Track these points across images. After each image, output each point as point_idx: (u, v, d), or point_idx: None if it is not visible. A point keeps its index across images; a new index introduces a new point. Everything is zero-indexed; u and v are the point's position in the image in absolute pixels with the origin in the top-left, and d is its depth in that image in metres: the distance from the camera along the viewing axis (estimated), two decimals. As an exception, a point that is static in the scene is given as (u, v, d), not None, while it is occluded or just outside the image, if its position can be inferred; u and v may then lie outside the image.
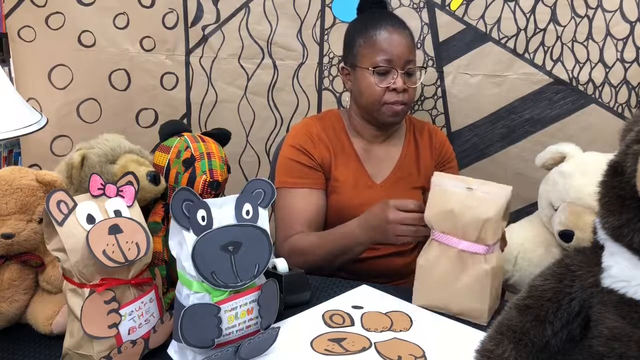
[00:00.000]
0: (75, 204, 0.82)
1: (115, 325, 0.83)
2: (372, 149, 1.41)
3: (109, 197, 0.86)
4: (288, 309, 1.04)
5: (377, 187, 1.39)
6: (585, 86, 1.61)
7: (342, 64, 1.41)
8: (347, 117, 1.43)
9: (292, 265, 1.27)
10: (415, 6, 1.62)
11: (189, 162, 1.03)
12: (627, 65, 1.59)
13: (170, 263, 1.01)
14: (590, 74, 1.60)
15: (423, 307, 1.07)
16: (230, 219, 0.85)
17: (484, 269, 1.01)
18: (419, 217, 1.08)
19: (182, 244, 0.83)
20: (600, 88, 1.61)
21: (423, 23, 1.63)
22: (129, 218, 0.85)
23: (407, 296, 1.11)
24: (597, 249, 0.74)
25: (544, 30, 1.59)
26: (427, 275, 1.06)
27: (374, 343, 0.94)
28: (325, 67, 1.70)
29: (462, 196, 1.02)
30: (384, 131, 1.41)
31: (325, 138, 1.38)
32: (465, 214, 1.01)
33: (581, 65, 1.60)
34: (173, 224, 0.82)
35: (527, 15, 1.58)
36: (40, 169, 1.13)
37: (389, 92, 1.30)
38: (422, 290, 1.07)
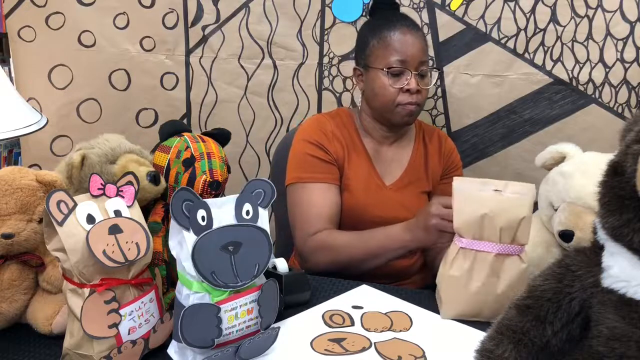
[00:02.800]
0: (75, 204, 0.82)
1: (115, 325, 0.83)
2: (382, 150, 1.42)
3: (109, 197, 0.86)
4: (288, 309, 1.04)
5: (387, 189, 1.39)
6: (585, 86, 1.61)
7: (354, 65, 1.41)
8: (357, 117, 1.43)
9: (316, 262, 1.27)
10: (415, 6, 1.62)
11: (189, 162, 1.03)
12: (627, 65, 1.59)
13: (170, 263, 1.01)
14: (590, 74, 1.60)
15: (452, 319, 1.03)
16: (230, 219, 0.85)
17: (522, 268, 1.01)
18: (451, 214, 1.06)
19: (182, 244, 0.83)
20: (600, 88, 1.61)
21: (423, 23, 1.63)
22: (129, 218, 0.85)
23: (407, 296, 1.12)
24: (597, 249, 0.74)
25: (544, 30, 1.59)
26: (462, 286, 1.02)
27: (374, 343, 0.94)
28: (325, 67, 1.70)
29: (492, 199, 1.00)
30: (395, 132, 1.41)
31: (339, 135, 1.38)
32: (500, 216, 0.99)
33: (581, 65, 1.60)
34: (173, 224, 0.82)
35: (527, 15, 1.58)
36: (40, 169, 1.13)
37: (403, 93, 1.30)
38: (455, 302, 1.03)
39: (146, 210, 1.03)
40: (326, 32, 1.68)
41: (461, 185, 1.03)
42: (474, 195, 1.01)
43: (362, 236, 1.26)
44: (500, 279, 1.01)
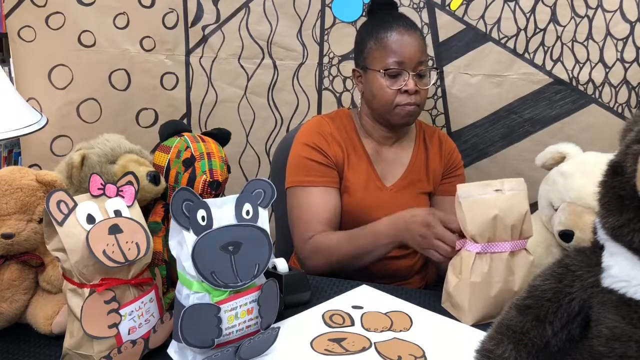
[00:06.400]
0: (75, 204, 0.82)
1: (115, 325, 0.83)
2: (382, 151, 1.41)
3: (109, 197, 0.86)
4: (288, 309, 1.04)
5: (387, 190, 1.38)
6: (585, 86, 1.61)
7: (353, 67, 1.41)
8: (357, 118, 1.43)
9: (313, 266, 1.27)
10: (415, 6, 1.62)
11: (189, 162, 1.03)
12: (627, 65, 1.59)
13: (170, 263, 1.02)
14: (590, 74, 1.60)
15: (475, 324, 1.02)
16: (230, 219, 0.85)
17: (531, 260, 1.04)
18: (455, 241, 1.06)
19: (182, 244, 0.83)
20: (600, 88, 1.61)
21: (423, 23, 1.63)
22: (129, 218, 0.85)
23: (407, 296, 1.11)
24: (597, 249, 0.74)
25: (544, 30, 1.59)
26: (485, 291, 1.02)
27: (374, 343, 0.94)
28: (325, 67, 1.70)
29: (497, 199, 1.02)
30: (395, 133, 1.40)
31: (339, 137, 1.37)
32: (509, 214, 1.01)
33: (581, 65, 1.60)
34: (173, 224, 0.82)
35: (527, 15, 1.59)
36: (40, 169, 1.13)
37: (401, 94, 1.30)
38: (478, 308, 1.02)
39: (146, 210, 1.03)
40: (326, 32, 1.68)
41: (466, 191, 1.02)
42: (480, 200, 1.02)
43: (351, 235, 1.26)
44: (515, 275, 1.03)
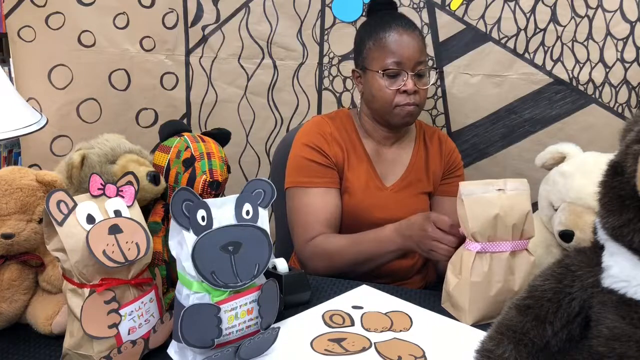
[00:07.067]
0: (75, 204, 0.82)
1: (115, 325, 0.83)
2: (382, 151, 1.41)
3: (109, 197, 0.86)
4: (288, 309, 1.04)
5: (387, 190, 1.38)
6: (585, 86, 1.61)
7: (353, 67, 1.41)
8: (357, 118, 1.43)
9: (314, 268, 1.27)
10: (415, 6, 1.62)
11: (189, 162, 1.03)
12: (627, 65, 1.59)
13: (170, 263, 1.01)
14: (590, 74, 1.60)
15: (475, 324, 1.02)
16: (230, 219, 0.85)
17: (532, 261, 1.04)
18: (455, 240, 1.07)
19: (182, 244, 0.83)
20: (600, 88, 1.61)
21: (423, 23, 1.63)
22: (129, 218, 0.85)
23: (407, 296, 1.12)
24: (597, 249, 0.74)
25: (544, 30, 1.59)
26: (484, 290, 1.02)
27: (374, 343, 0.94)
28: (325, 67, 1.70)
29: (498, 198, 1.01)
30: (395, 133, 1.40)
31: (339, 137, 1.37)
32: (510, 214, 1.01)
33: (581, 65, 1.60)
34: (173, 224, 0.82)
35: (527, 15, 1.59)
36: (40, 169, 1.13)
37: (400, 94, 1.29)
38: (478, 307, 1.02)
39: (146, 210, 1.03)
40: (326, 32, 1.68)
41: (468, 190, 1.02)
42: (482, 198, 1.02)
43: (354, 241, 1.26)
44: (515, 275, 1.03)
